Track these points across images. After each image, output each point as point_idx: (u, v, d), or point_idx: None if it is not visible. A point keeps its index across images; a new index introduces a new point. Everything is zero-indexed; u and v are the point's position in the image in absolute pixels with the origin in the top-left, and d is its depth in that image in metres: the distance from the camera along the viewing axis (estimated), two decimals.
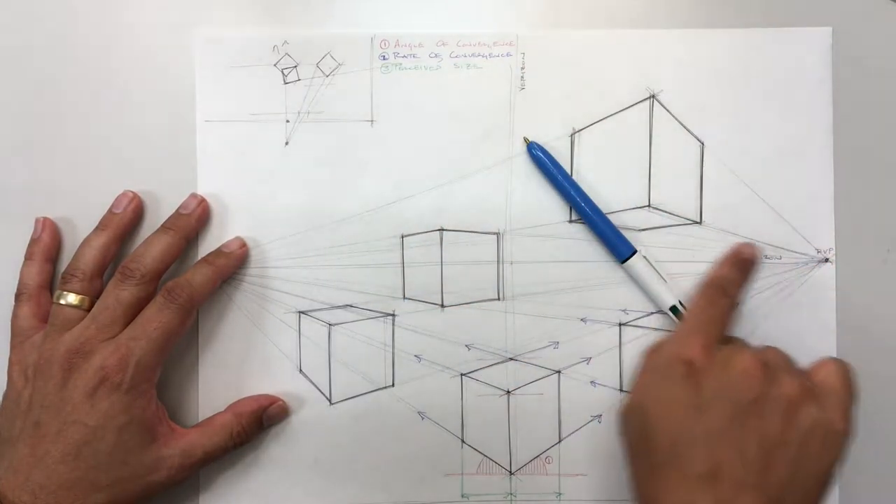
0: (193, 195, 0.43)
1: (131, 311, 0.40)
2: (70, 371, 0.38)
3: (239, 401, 0.43)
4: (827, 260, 0.43)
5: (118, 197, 0.43)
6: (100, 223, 0.42)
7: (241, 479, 0.43)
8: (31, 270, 0.42)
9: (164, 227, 0.42)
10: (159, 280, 0.41)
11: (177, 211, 0.43)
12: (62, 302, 0.40)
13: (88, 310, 0.40)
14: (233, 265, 0.43)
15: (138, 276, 0.40)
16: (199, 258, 0.43)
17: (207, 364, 0.44)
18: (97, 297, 0.41)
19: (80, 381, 0.38)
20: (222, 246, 0.43)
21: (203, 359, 0.44)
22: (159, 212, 0.43)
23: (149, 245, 0.41)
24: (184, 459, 0.40)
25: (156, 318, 0.39)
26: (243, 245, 0.43)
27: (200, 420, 0.43)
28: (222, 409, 0.43)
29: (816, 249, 0.43)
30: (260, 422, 0.42)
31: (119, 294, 0.40)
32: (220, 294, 0.43)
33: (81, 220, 0.43)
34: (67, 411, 0.38)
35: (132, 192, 0.43)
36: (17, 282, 0.42)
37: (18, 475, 0.37)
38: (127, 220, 0.42)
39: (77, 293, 0.40)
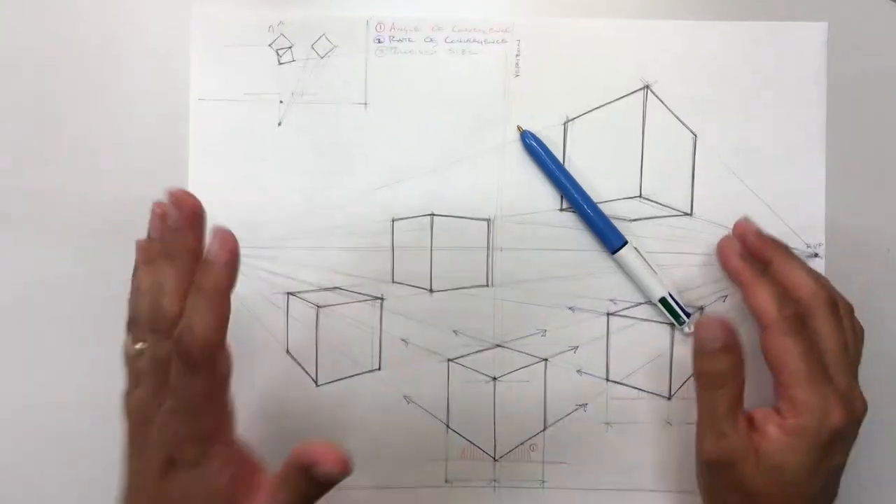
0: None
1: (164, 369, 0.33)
2: None
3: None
4: (816, 255, 0.43)
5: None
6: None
7: None
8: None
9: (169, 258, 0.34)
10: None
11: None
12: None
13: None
14: (228, 277, 0.33)
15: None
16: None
17: None
18: None
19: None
20: (207, 257, 0.33)
21: None
22: (148, 188, 0.43)
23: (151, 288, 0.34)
24: None
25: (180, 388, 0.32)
26: (229, 245, 0.34)
27: None
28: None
29: (806, 244, 0.43)
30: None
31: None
32: None
33: (71, 193, 0.43)
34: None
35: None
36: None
37: None
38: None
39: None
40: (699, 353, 0.37)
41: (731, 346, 0.37)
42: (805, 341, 0.37)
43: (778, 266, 0.39)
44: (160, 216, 0.34)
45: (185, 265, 0.34)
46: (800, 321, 0.37)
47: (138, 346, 0.33)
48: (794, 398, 0.36)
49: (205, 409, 0.32)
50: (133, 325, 0.34)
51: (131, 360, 0.34)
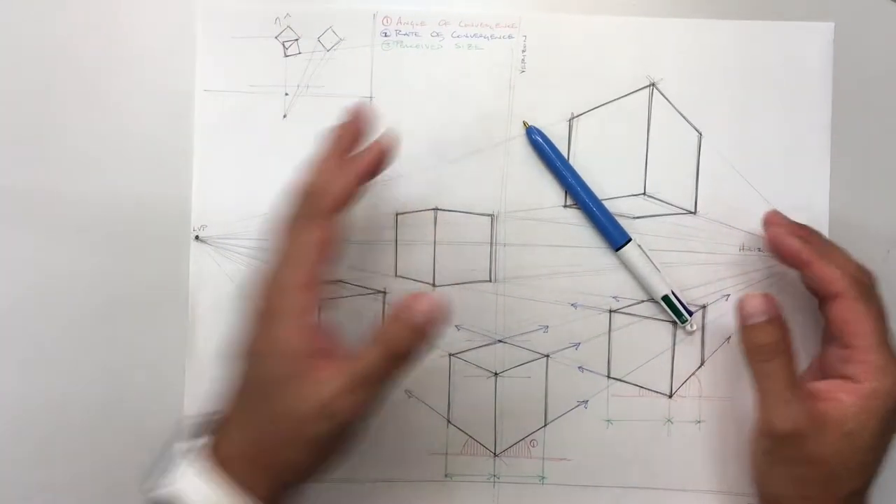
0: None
1: None
2: None
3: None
4: None
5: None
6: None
7: None
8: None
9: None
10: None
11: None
12: None
13: None
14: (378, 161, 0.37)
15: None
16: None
17: (197, 335, 0.43)
18: None
19: None
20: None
21: (192, 330, 0.43)
22: (153, 179, 0.43)
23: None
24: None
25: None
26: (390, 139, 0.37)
27: (186, 392, 0.43)
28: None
29: None
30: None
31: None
32: (211, 264, 0.43)
33: (76, 185, 0.43)
34: None
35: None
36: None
37: None
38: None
39: None
40: (745, 328, 0.38)
41: (777, 317, 0.38)
42: (876, 307, 0.38)
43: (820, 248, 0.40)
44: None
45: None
46: (868, 288, 0.38)
47: None
48: (869, 362, 0.37)
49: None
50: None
51: None
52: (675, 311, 0.43)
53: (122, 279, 0.43)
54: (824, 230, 0.43)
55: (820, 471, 0.37)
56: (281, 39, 0.43)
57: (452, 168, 0.44)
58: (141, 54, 0.44)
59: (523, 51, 0.43)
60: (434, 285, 0.44)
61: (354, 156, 0.37)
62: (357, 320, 0.44)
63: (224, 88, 0.43)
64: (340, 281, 0.44)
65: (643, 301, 0.44)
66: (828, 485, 0.37)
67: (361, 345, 0.34)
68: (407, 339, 0.34)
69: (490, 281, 0.44)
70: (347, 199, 0.36)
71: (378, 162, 0.37)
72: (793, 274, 0.43)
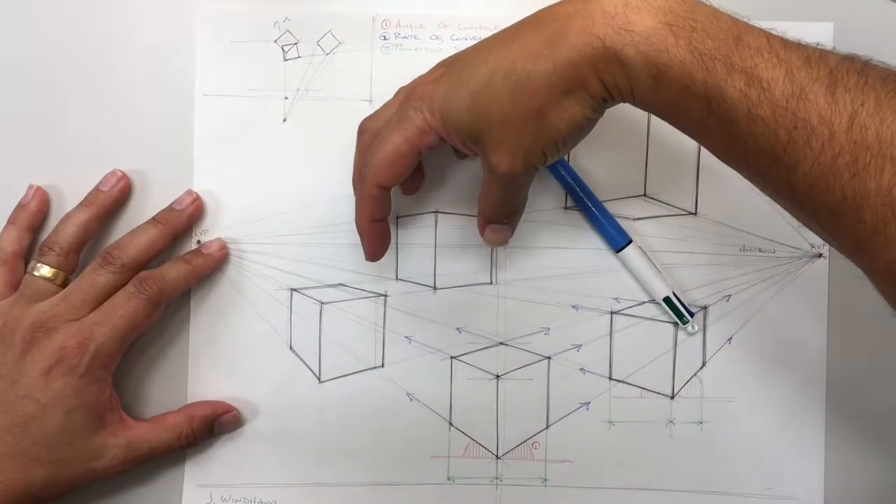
0: (189, 192, 0.43)
1: (104, 296, 0.40)
2: (31, 344, 0.38)
3: (194, 403, 0.43)
4: (820, 255, 0.43)
5: (107, 175, 0.43)
6: (84, 199, 0.42)
7: (228, 453, 0.43)
8: (10, 236, 0.42)
9: (154, 220, 0.42)
10: (139, 271, 0.41)
11: (170, 206, 0.43)
12: (36, 273, 0.40)
13: (61, 285, 0.40)
14: (210, 266, 0.43)
15: (118, 265, 0.40)
16: (182, 252, 0.43)
17: (199, 338, 0.43)
18: (71, 274, 0.41)
19: (39, 356, 0.38)
20: (202, 246, 0.43)
21: (194, 333, 0.44)
22: (153, 183, 0.43)
23: (135, 235, 0.41)
24: (128, 452, 0.40)
25: (122, 307, 0.39)
26: (223, 247, 0.43)
27: (189, 394, 0.43)
28: (177, 408, 0.43)
29: (810, 244, 0.43)
30: (211, 428, 0.42)
31: (95, 278, 0.40)
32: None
33: (77, 190, 0.43)
34: (21, 384, 0.38)
35: (121, 171, 0.43)
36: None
37: None
38: (112, 199, 0.42)
39: (52, 267, 0.40)
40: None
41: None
42: None
43: None
44: (118, 177, 0.43)
45: (163, 234, 0.41)
46: None
47: (48, 270, 0.41)
48: None
49: (130, 335, 0.39)
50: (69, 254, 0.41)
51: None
52: (677, 312, 0.43)
53: None
54: None
55: None
56: (280, 43, 0.43)
57: (452, 170, 0.43)
58: (140, 59, 0.44)
59: None
60: (435, 288, 0.44)
61: (193, 260, 0.42)
62: (358, 324, 0.44)
63: (224, 93, 0.43)
64: (341, 284, 0.44)
65: (644, 302, 0.44)
66: None
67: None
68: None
69: (491, 283, 0.44)
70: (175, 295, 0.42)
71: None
72: (796, 274, 0.43)
